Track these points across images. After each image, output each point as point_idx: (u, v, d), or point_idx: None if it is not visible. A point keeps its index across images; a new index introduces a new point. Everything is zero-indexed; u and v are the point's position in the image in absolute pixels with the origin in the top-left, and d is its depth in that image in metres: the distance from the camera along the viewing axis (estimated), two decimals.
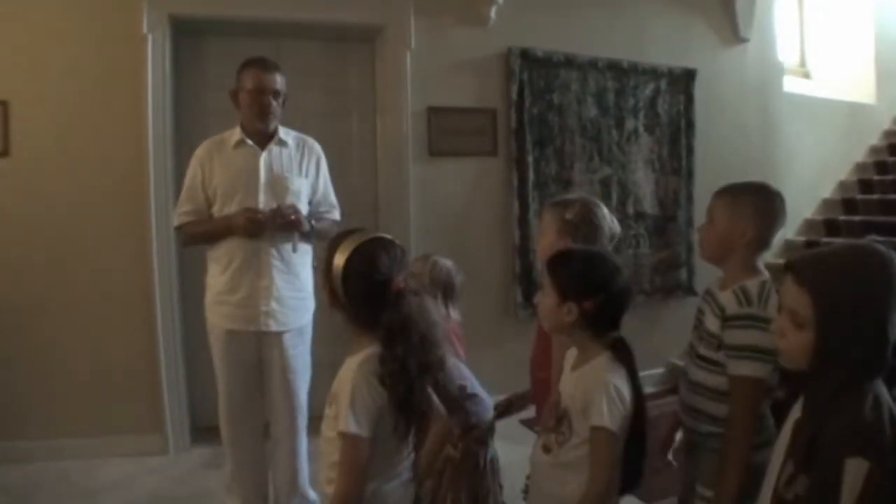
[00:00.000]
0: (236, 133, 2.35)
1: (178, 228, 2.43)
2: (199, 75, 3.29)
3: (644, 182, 4.10)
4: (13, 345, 2.96)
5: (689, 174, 4.23)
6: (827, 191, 5.05)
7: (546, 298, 1.46)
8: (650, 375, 3.82)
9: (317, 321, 2.48)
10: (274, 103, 2.32)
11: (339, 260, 1.38)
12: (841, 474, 0.98)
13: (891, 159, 5.07)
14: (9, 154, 2.93)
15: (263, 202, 2.29)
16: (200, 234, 2.39)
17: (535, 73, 3.70)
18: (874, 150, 5.27)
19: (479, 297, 3.47)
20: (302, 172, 2.42)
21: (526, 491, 1.63)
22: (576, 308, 1.40)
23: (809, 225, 4.84)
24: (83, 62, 2.97)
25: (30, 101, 2.94)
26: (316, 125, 2.96)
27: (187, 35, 3.22)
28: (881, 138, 5.34)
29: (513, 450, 2.25)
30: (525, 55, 3.66)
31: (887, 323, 1.03)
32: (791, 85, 4.82)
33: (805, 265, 1.11)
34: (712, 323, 1.55)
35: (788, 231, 4.60)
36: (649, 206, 4.12)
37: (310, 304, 2.45)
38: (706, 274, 2.27)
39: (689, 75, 4.18)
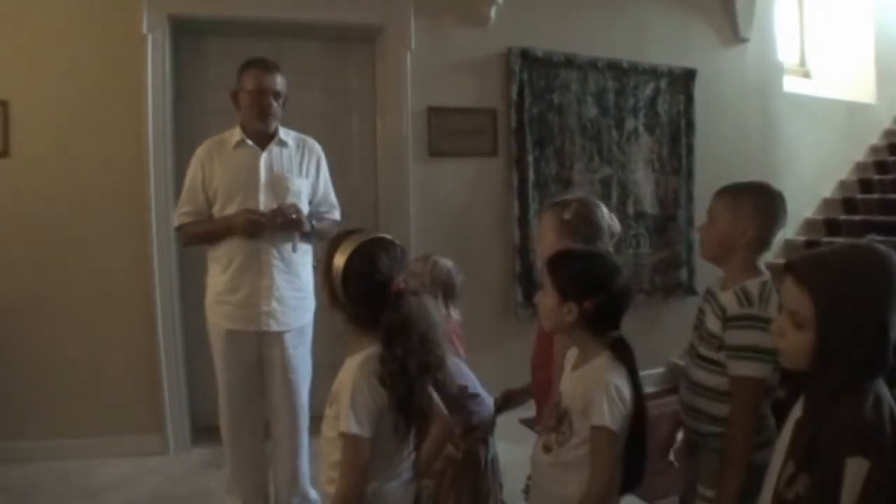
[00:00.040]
0: (236, 133, 2.35)
1: (179, 228, 2.43)
2: (199, 75, 3.29)
3: (644, 182, 4.10)
4: (13, 345, 2.96)
5: (690, 174, 4.23)
6: (827, 190, 5.04)
7: (546, 298, 1.46)
8: (650, 375, 3.82)
9: (317, 321, 2.48)
10: (274, 104, 2.32)
11: (339, 260, 1.38)
12: (841, 474, 0.98)
13: (891, 159, 5.07)
14: (9, 154, 2.93)
15: (264, 202, 2.30)
16: (201, 235, 2.39)
17: (535, 73, 3.70)
18: (874, 150, 5.27)
19: (480, 297, 3.47)
20: (302, 173, 2.42)
21: (527, 490, 1.63)
22: (576, 308, 1.40)
23: (810, 224, 4.84)
24: (83, 62, 2.97)
25: (30, 101, 2.94)
26: (316, 125, 2.97)
27: (187, 35, 3.22)
28: (881, 138, 5.34)
29: (513, 449, 2.25)
30: (525, 55, 3.66)
31: (887, 323, 1.03)
32: (791, 85, 4.82)
33: (805, 265, 1.11)
34: (713, 323, 1.55)
35: (789, 231, 4.59)
36: (649, 205, 4.12)
37: (310, 304, 2.45)
38: (706, 273, 2.27)
39: (689, 75, 4.18)
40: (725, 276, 1.60)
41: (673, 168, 4.19)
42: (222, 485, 2.49)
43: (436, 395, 1.50)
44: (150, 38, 3.01)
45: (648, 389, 1.93)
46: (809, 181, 4.82)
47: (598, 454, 1.34)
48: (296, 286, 2.37)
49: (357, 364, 1.36)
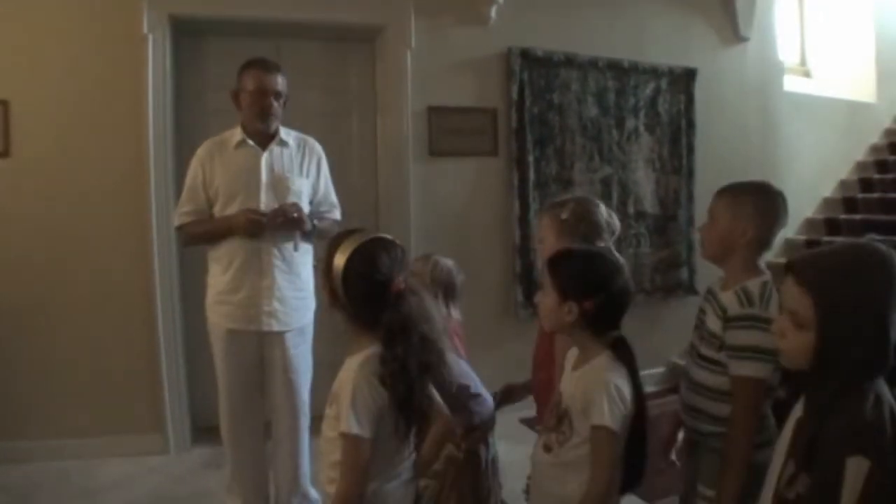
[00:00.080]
0: (237, 133, 2.35)
1: (179, 228, 2.44)
2: (199, 75, 3.29)
3: (644, 181, 4.10)
4: (13, 345, 2.96)
5: (690, 173, 4.22)
6: (827, 190, 5.04)
7: (546, 298, 1.46)
8: (651, 375, 3.82)
9: (317, 321, 2.48)
10: (275, 104, 2.32)
11: (340, 260, 1.38)
12: (842, 473, 0.98)
13: (891, 158, 5.06)
14: (9, 154, 2.93)
15: (265, 202, 2.30)
16: (201, 234, 2.39)
17: (535, 72, 3.70)
18: (874, 149, 5.27)
19: (480, 296, 3.47)
20: (303, 172, 2.42)
21: (527, 490, 1.63)
22: (576, 308, 1.40)
23: (810, 224, 4.84)
24: (83, 62, 2.97)
25: (30, 101, 2.94)
26: (316, 125, 2.96)
27: (187, 35, 3.22)
28: (881, 137, 5.34)
29: (513, 449, 2.25)
30: (525, 55, 3.66)
31: (888, 322, 1.03)
32: (791, 84, 4.82)
33: (805, 266, 1.11)
34: (714, 323, 1.55)
35: (789, 230, 4.59)
36: (650, 205, 4.12)
37: (311, 304, 2.45)
38: (707, 273, 2.27)
39: (689, 75, 4.17)
40: (726, 275, 1.60)
41: (673, 167, 4.19)
42: (222, 485, 2.49)
43: (437, 395, 1.50)
44: (150, 37, 3.01)
45: (649, 389, 1.92)
46: (810, 180, 4.82)
47: (598, 454, 1.34)
48: (297, 286, 2.37)
49: (357, 364, 1.36)
